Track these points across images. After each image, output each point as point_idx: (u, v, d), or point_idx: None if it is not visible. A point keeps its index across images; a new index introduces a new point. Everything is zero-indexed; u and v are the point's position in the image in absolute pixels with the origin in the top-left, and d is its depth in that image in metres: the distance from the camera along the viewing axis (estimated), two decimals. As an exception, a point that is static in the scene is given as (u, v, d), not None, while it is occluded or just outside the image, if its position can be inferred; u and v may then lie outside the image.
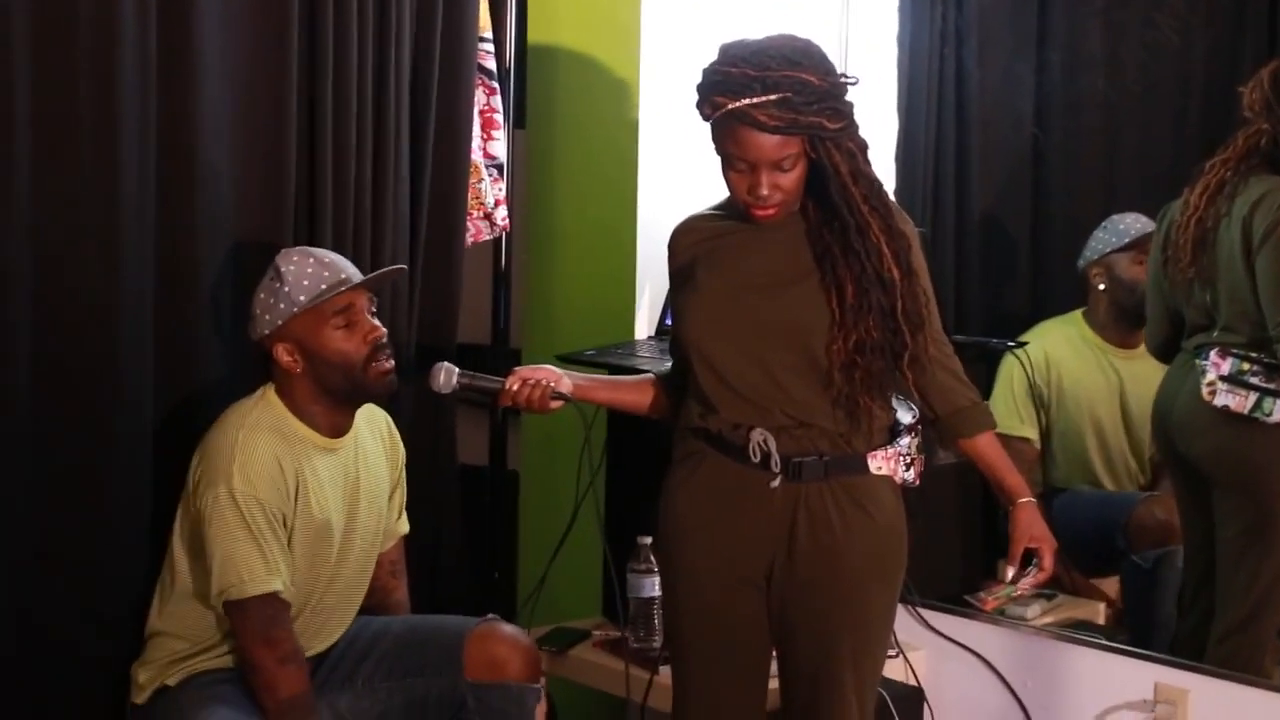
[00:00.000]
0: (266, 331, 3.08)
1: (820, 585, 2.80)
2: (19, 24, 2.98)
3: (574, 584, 3.95)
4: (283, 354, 3.07)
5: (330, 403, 3.10)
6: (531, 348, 4.29)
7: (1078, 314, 4.03)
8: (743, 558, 2.83)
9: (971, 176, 4.28)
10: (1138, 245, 3.88)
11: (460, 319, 3.90)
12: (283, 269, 3.07)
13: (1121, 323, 3.95)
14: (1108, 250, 3.93)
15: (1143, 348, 3.82)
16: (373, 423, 3.28)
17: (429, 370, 3.06)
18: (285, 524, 3.02)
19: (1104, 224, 3.95)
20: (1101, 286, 3.96)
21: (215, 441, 3.03)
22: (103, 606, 3.20)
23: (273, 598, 2.97)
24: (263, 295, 3.09)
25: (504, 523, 4.21)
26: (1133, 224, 3.91)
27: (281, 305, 3.05)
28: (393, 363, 3.12)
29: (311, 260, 3.10)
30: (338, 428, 3.13)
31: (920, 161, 4.25)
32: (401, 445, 3.37)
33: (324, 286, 3.05)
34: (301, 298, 3.04)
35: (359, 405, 3.17)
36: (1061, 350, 4.01)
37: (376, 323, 3.11)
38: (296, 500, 3.04)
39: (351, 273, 3.12)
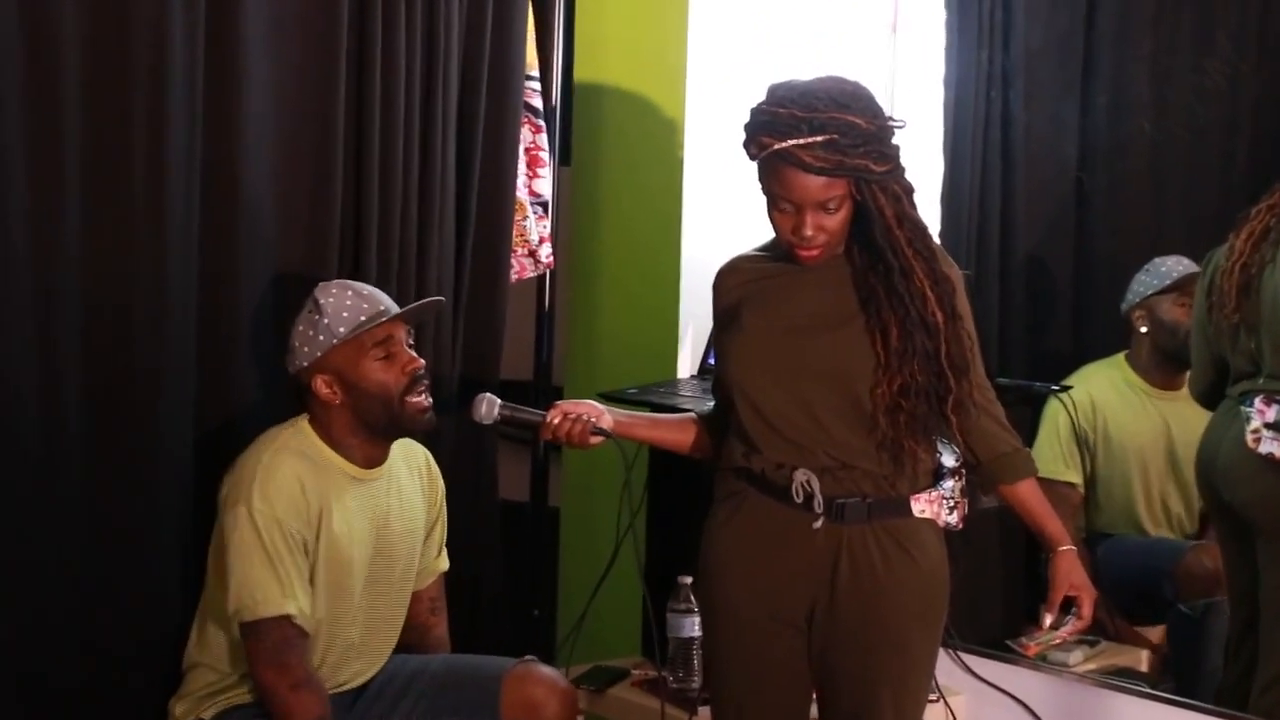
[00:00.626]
0: (305, 364, 3.08)
1: (862, 628, 2.79)
2: (70, 52, 3.01)
3: (613, 622, 3.94)
4: (321, 386, 3.08)
5: (367, 435, 3.10)
6: (574, 385, 4.29)
7: (1120, 357, 4.01)
8: (784, 599, 2.82)
9: (1016, 219, 4.27)
10: (1179, 287, 3.87)
11: (503, 355, 3.91)
12: (322, 301, 3.08)
13: (1164, 365, 3.93)
14: (1149, 292, 3.92)
15: (1185, 390, 3.81)
16: (411, 459, 3.28)
17: (471, 401, 3.06)
18: (307, 550, 3.02)
19: (1146, 266, 3.94)
20: (1144, 329, 3.94)
21: (241, 463, 3.05)
22: (141, 639, 3.21)
23: (285, 621, 2.96)
24: (301, 327, 3.10)
25: (544, 559, 4.21)
26: (1174, 266, 3.89)
27: (321, 337, 3.06)
28: (430, 399, 3.12)
29: (350, 292, 3.10)
30: (372, 459, 3.13)
31: (965, 204, 4.24)
32: (441, 482, 3.36)
33: (363, 318, 3.06)
34: (341, 329, 3.05)
35: (395, 438, 3.17)
36: (1106, 394, 3.99)
37: (415, 354, 3.12)
38: (320, 526, 3.03)
39: (389, 305, 3.13)
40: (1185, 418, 3.80)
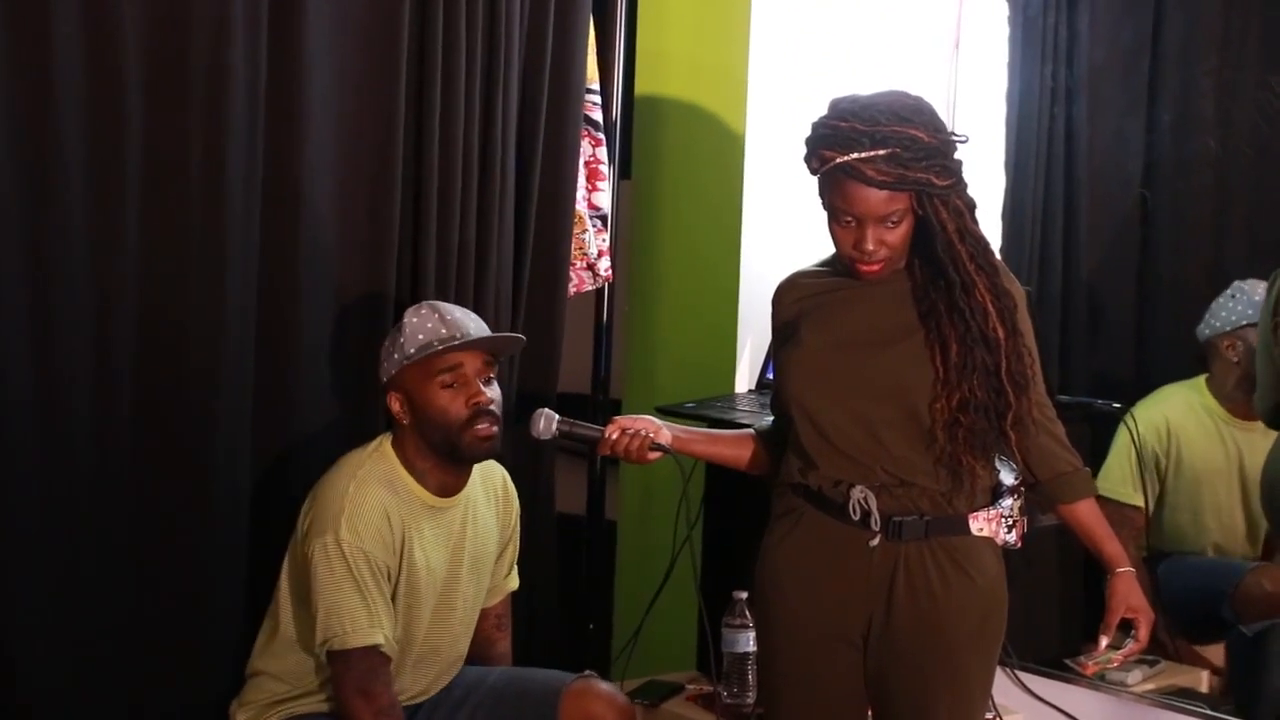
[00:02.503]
0: (384, 379, 3.10)
1: (918, 646, 2.77)
2: (133, 67, 3.04)
3: (668, 637, 3.94)
4: (394, 403, 3.08)
5: (437, 460, 3.09)
6: (631, 399, 4.29)
7: (1201, 381, 3.95)
8: (840, 616, 2.81)
9: (1079, 236, 4.24)
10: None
11: (561, 368, 3.91)
12: (406, 319, 3.09)
13: (1252, 395, 3.86)
14: (1243, 323, 3.83)
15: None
16: (489, 480, 3.27)
17: (529, 416, 3.06)
18: (390, 578, 3.03)
19: (1232, 293, 3.86)
20: (1235, 360, 3.85)
21: (327, 490, 3.04)
22: (202, 645, 3.23)
23: (374, 650, 2.98)
24: (386, 343, 3.12)
25: (600, 573, 4.21)
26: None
27: (395, 355, 3.07)
28: (496, 429, 3.09)
29: (436, 315, 3.09)
30: (446, 487, 3.12)
31: (1027, 220, 4.22)
32: (516, 502, 3.35)
33: (436, 342, 3.06)
34: (411, 350, 3.05)
35: (465, 466, 3.14)
36: (1183, 418, 3.94)
37: (487, 390, 3.08)
38: (402, 556, 3.04)
39: (474, 332, 3.09)
40: (1261, 447, 3.74)
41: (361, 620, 2.96)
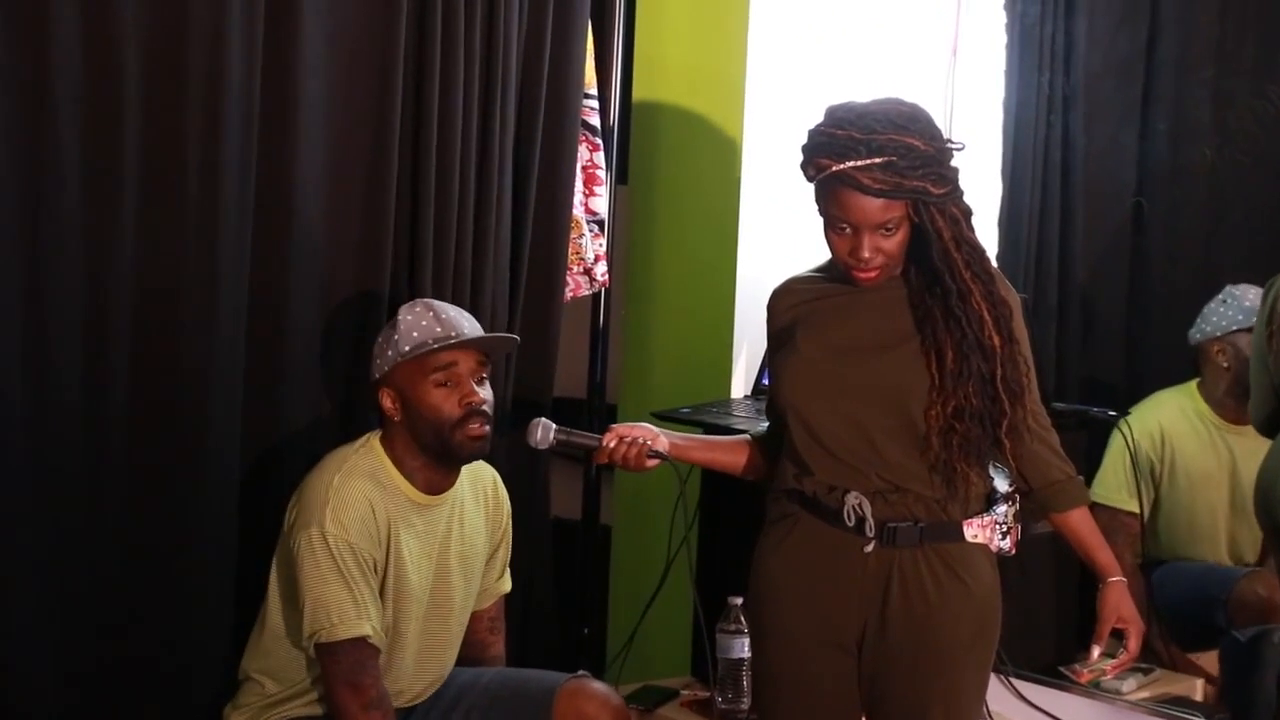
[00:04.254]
0: (376, 376, 3.10)
1: (913, 653, 2.77)
2: (129, 64, 3.03)
3: (663, 642, 3.94)
4: (386, 399, 3.09)
5: (426, 459, 3.10)
6: (627, 404, 4.29)
7: (1193, 386, 3.96)
8: (834, 622, 2.81)
9: (1075, 243, 4.25)
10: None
11: (557, 373, 3.91)
12: (400, 317, 3.09)
13: (1243, 400, 3.84)
14: (1234, 328, 3.85)
15: None
16: (478, 482, 3.27)
17: (526, 425, 3.06)
18: (377, 570, 3.03)
19: (1224, 298, 3.88)
20: (1225, 365, 3.87)
21: (312, 484, 3.05)
22: (193, 647, 3.23)
23: (361, 642, 2.98)
24: (380, 340, 3.12)
25: (595, 578, 4.21)
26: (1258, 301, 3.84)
27: (389, 352, 3.07)
28: (487, 429, 3.09)
29: (431, 313, 3.09)
30: (434, 485, 3.13)
31: (1024, 227, 4.22)
32: (507, 505, 3.35)
33: (430, 340, 3.06)
34: (406, 347, 3.05)
35: (455, 466, 3.15)
36: (1176, 424, 3.95)
37: (480, 391, 3.08)
38: (389, 549, 3.04)
39: (469, 332, 3.10)
40: (1254, 453, 3.73)
41: (349, 611, 2.96)
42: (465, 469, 3.19)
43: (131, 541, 3.14)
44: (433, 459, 3.10)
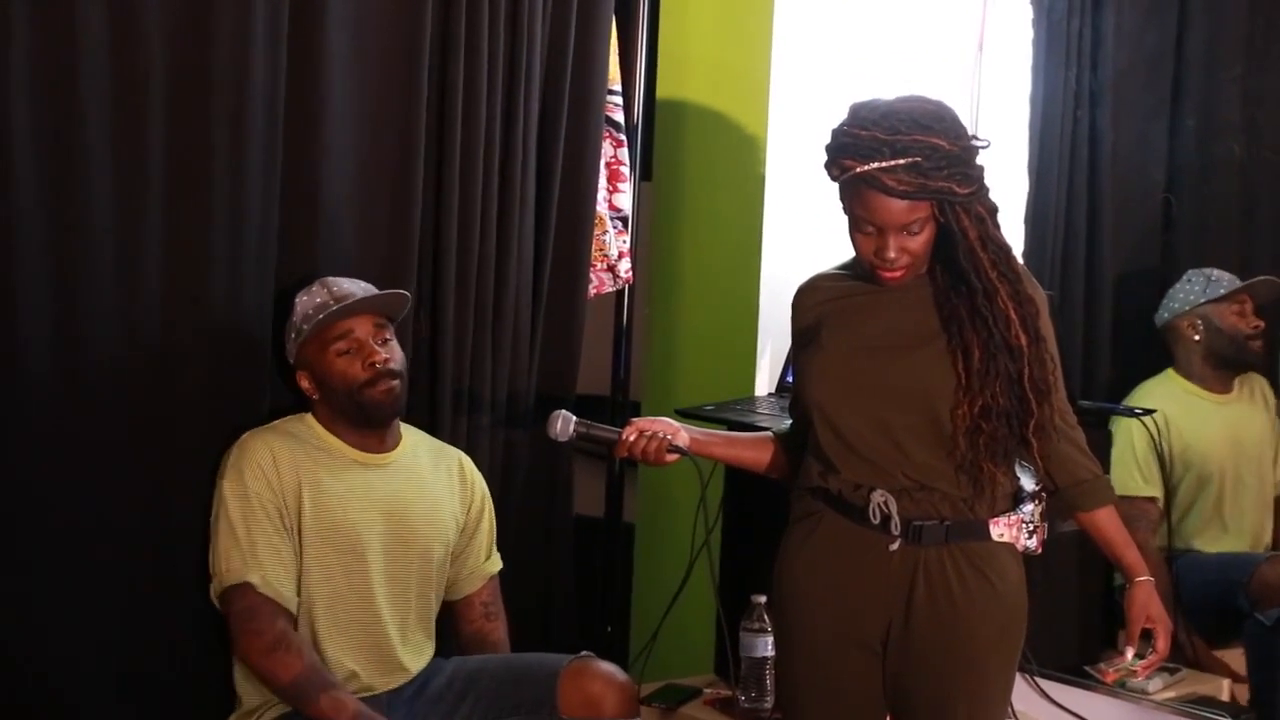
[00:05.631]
0: (291, 361, 3.18)
1: (938, 652, 2.76)
2: (157, 72, 3.04)
3: (686, 640, 3.93)
4: (303, 381, 3.18)
5: (348, 424, 3.17)
6: (650, 401, 4.29)
7: (1169, 371, 4.04)
8: (859, 620, 2.80)
9: (1102, 240, 4.22)
10: (1232, 297, 3.92)
11: (580, 370, 3.90)
12: (296, 299, 3.17)
13: (1220, 370, 3.99)
14: (1201, 301, 3.95)
15: (1237, 391, 3.93)
16: (442, 458, 3.33)
17: (547, 418, 3.06)
18: (283, 518, 3.07)
19: (1187, 277, 3.99)
20: (1196, 338, 3.97)
21: (231, 448, 3.12)
22: (196, 655, 3.23)
23: (248, 589, 3.01)
24: (286, 327, 3.20)
25: (617, 576, 4.20)
26: (1223, 276, 3.94)
27: (292, 335, 3.16)
28: (394, 383, 3.16)
29: (324, 289, 3.17)
30: (370, 445, 3.20)
31: (1050, 224, 4.20)
32: (481, 485, 3.39)
33: (321, 315, 3.11)
34: (304, 326, 3.13)
35: (375, 425, 3.20)
36: (1172, 407, 3.98)
37: (381, 350, 3.15)
38: (302, 498, 3.08)
39: (360, 296, 3.17)
40: (1248, 418, 3.87)
41: (235, 559, 3.02)
42: (423, 442, 3.29)
43: (162, 537, 3.14)
44: (356, 423, 3.17)
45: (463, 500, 3.34)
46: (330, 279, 3.20)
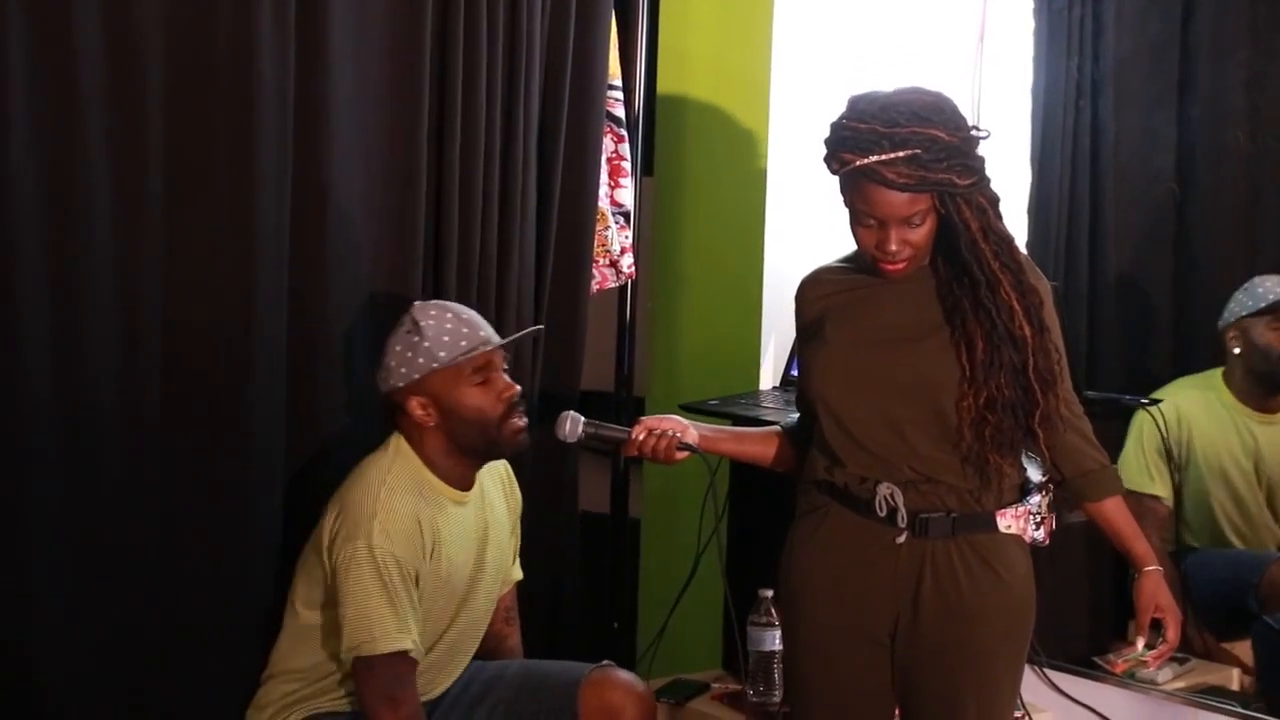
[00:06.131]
0: (400, 384, 3.07)
1: (947, 645, 2.75)
2: (153, 62, 3.04)
3: (694, 635, 3.93)
4: (416, 407, 3.07)
5: (461, 457, 3.11)
6: (655, 396, 4.28)
7: (1217, 374, 3.93)
8: (867, 614, 2.79)
9: (1106, 230, 4.21)
10: (1274, 310, 3.80)
11: (584, 366, 3.90)
12: (422, 323, 3.07)
13: (1259, 387, 3.87)
14: (1243, 314, 3.84)
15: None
16: (492, 470, 3.28)
17: (555, 419, 3.05)
18: (419, 582, 3.02)
19: (1245, 285, 3.86)
20: (1237, 350, 3.86)
21: (356, 496, 3.03)
22: (228, 647, 3.23)
23: (402, 656, 2.97)
24: (399, 347, 3.08)
25: (624, 571, 4.19)
26: (1272, 288, 3.82)
27: (420, 359, 3.05)
28: (525, 420, 3.12)
29: (450, 316, 3.09)
30: (466, 480, 3.14)
31: (1053, 215, 4.19)
32: (518, 491, 3.37)
33: (464, 343, 3.05)
34: (442, 354, 3.05)
35: (488, 460, 3.17)
36: (1195, 410, 3.92)
37: (510, 381, 3.12)
38: (431, 558, 3.04)
39: (489, 332, 3.12)
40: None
41: (390, 626, 2.95)
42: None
43: (169, 542, 3.14)
44: (469, 457, 3.11)
45: (510, 511, 3.33)
46: (449, 304, 3.16)
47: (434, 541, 3.04)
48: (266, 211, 3.18)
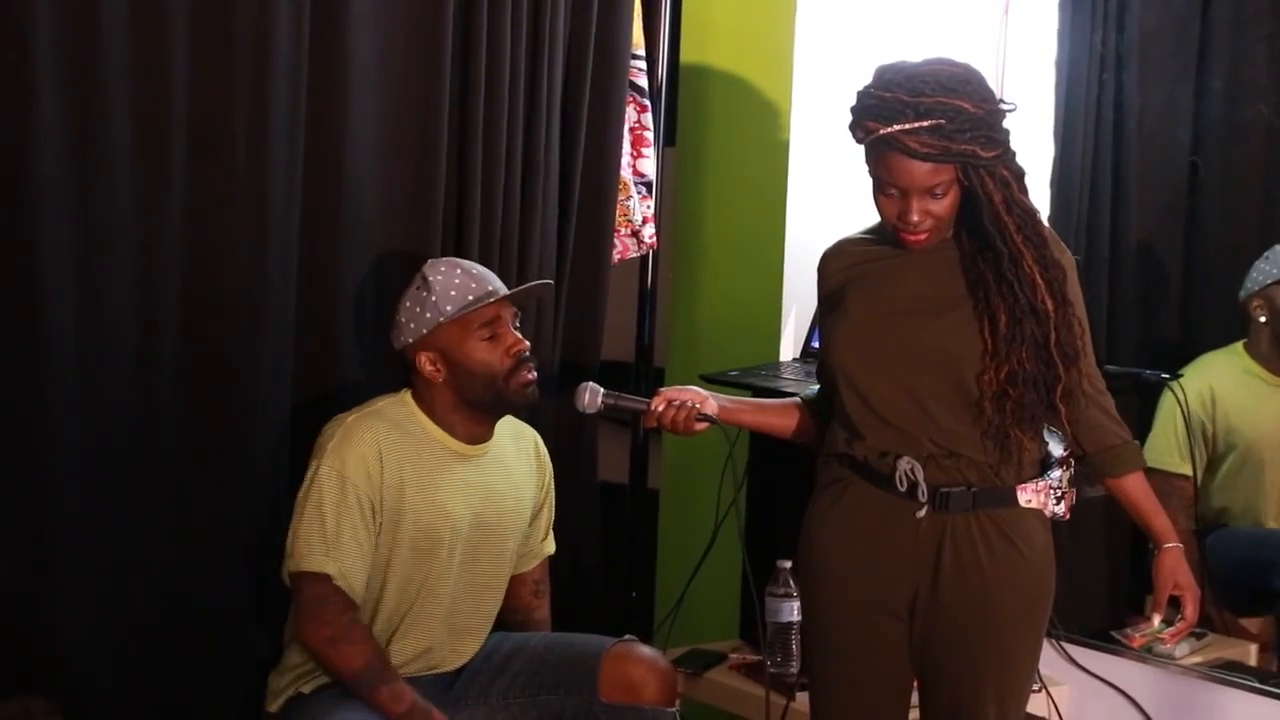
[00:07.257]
0: (410, 340, 3.10)
1: (965, 618, 2.75)
2: (179, 35, 3.04)
3: (711, 606, 3.93)
4: (425, 363, 3.09)
5: (470, 412, 3.12)
6: (675, 367, 4.28)
7: (1240, 346, 3.91)
8: (886, 587, 2.79)
9: (1128, 203, 4.19)
10: None
11: (605, 336, 3.90)
12: (430, 279, 3.09)
13: None
14: (1269, 282, 3.82)
15: None
16: (521, 439, 3.29)
17: (574, 389, 3.06)
18: (375, 514, 3.03)
19: (1267, 254, 3.83)
20: (1263, 319, 3.84)
21: (333, 422, 3.08)
22: (240, 613, 3.25)
23: (324, 579, 2.98)
24: (409, 304, 3.11)
25: (642, 541, 4.20)
26: None
27: (428, 314, 3.07)
28: (535, 374, 3.13)
29: (459, 271, 3.11)
30: (475, 436, 3.15)
31: (1076, 188, 4.17)
32: (550, 465, 3.37)
33: (471, 298, 3.07)
34: (449, 308, 3.06)
35: (499, 415, 3.18)
36: (1226, 384, 3.90)
37: (519, 335, 3.12)
38: (400, 497, 3.05)
39: (498, 285, 3.13)
40: None
41: (316, 546, 2.98)
42: (506, 426, 3.22)
43: (184, 510, 3.15)
44: (478, 412, 3.13)
45: (538, 483, 3.33)
46: (459, 260, 3.17)
47: (402, 481, 3.04)
48: (279, 182, 3.19)
